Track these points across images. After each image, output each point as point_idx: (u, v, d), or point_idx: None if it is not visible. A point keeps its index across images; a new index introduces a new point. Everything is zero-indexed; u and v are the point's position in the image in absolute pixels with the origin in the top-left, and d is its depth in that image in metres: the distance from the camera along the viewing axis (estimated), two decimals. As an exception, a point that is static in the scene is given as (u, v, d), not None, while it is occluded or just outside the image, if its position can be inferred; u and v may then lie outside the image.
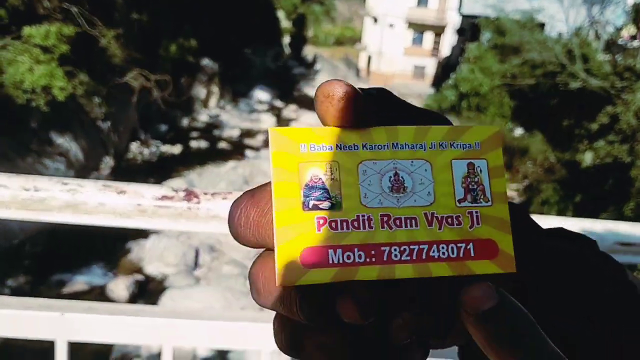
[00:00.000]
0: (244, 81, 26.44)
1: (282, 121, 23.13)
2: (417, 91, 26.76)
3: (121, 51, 14.70)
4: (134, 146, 17.19)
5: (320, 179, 0.26)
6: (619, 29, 17.06)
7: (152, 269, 10.63)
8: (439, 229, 0.27)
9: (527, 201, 13.52)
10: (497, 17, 18.42)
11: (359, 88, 0.27)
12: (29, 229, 10.71)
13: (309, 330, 0.28)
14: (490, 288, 0.26)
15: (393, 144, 0.27)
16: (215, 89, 23.27)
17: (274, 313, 0.30)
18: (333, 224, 0.26)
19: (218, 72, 23.31)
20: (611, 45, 16.08)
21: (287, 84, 30.46)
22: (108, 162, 15.29)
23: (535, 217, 1.04)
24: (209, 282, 10.25)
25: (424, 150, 0.28)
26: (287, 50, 41.92)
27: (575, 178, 12.60)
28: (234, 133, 20.83)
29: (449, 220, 0.27)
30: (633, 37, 16.17)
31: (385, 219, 0.27)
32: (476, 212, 0.28)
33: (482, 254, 0.27)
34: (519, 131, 16.36)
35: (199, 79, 22.09)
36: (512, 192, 14.42)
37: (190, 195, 0.89)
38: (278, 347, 0.29)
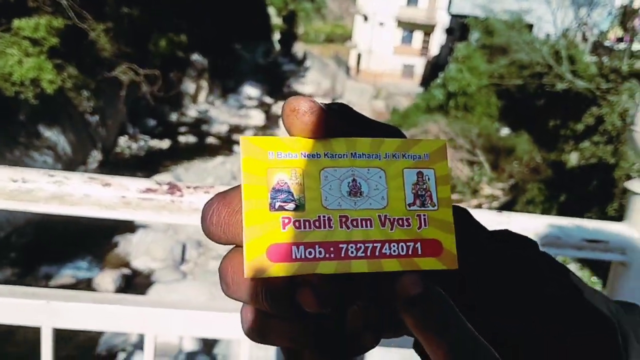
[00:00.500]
0: (234, 77, 26.38)
1: (271, 117, 23.11)
2: (406, 90, 26.80)
3: (110, 45, 14.62)
4: (122, 140, 17.12)
5: (286, 183, 0.29)
6: (605, 31, 17.18)
7: (139, 263, 10.62)
8: (391, 229, 0.30)
9: (513, 200, 13.59)
10: (486, 17, 18.48)
11: (322, 103, 0.31)
12: (16, 221, 10.67)
13: (274, 318, 0.31)
14: (417, 278, 0.29)
15: (352, 153, 0.31)
16: (204, 84, 23.21)
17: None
18: (297, 224, 0.29)
19: (207, 68, 23.25)
20: (598, 47, 16.20)
21: (277, 80, 30.42)
22: (96, 156, 15.23)
23: (508, 214, 1.08)
24: (195, 277, 10.25)
25: (379, 159, 0.31)
26: (277, 46, 41.83)
27: (561, 178, 12.68)
28: (223, 128, 20.79)
29: (400, 222, 0.31)
30: (619, 39, 16.29)
31: (344, 219, 0.29)
32: (424, 215, 0.31)
33: (429, 252, 0.31)
34: (505, 131, 16.42)
35: (189, 74, 22.02)
36: (498, 191, 14.50)
37: (173, 188, 0.93)
38: (245, 334, 0.32)
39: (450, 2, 28.51)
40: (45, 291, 0.99)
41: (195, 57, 22.42)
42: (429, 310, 0.28)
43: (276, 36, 42.13)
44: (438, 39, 30.69)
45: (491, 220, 1.07)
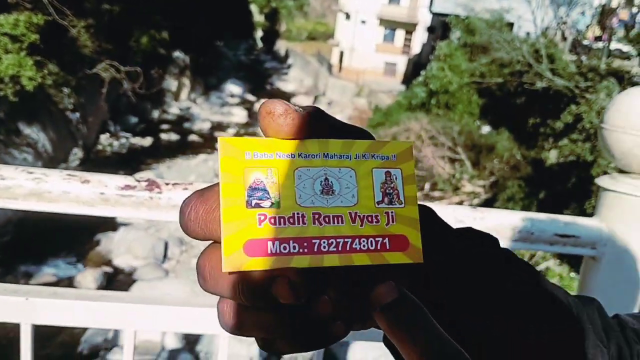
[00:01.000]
0: (216, 74, 26.27)
1: (253, 115, 23.04)
2: (387, 88, 26.85)
3: (91, 42, 14.50)
4: (104, 138, 16.98)
5: (262, 181, 0.30)
6: (584, 31, 17.36)
7: (121, 261, 10.56)
8: (361, 225, 0.32)
9: (493, 197, 13.69)
10: (467, 16, 18.59)
11: (296, 106, 0.32)
12: (-5, 220, 10.55)
13: (250, 310, 0.32)
14: (392, 286, 0.31)
15: (324, 154, 0.32)
16: (186, 81, 23.08)
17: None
18: (272, 220, 0.30)
19: (190, 65, 23.12)
20: (577, 46, 16.37)
21: (259, 78, 30.35)
22: (77, 153, 15.09)
23: (482, 210, 1.11)
24: (177, 275, 10.22)
25: (350, 160, 0.33)
26: (260, 44, 41.74)
27: (540, 175, 12.80)
28: (205, 126, 20.70)
29: (369, 218, 0.32)
30: (598, 38, 16.48)
31: (317, 216, 0.31)
32: (392, 212, 0.33)
33: (396, 246, 0.33)
34: (486, 129, 16.54)
35: (170, 72, 21.88)
36: (479, 188, 14.59)
37: (152, 185, 0.93)
38: (222, 327, 0.34)
39: (431, 1, 28.64)
40: (25, 288, 0.99)
41: (177, 54, 22.28)
42: (402, 315, 0.30)
43: (258, 33, 42.06)
44: (420, 37, 30.83)
45: (467, 216, 1.09)
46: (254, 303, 0.31)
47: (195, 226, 0.32)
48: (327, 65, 31.04)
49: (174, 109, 21.50)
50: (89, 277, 9.77)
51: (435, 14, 28.39)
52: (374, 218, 0.33)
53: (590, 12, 17.17)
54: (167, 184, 0.94)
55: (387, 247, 0.32)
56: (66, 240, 10.33)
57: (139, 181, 0.94)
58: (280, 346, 0.33)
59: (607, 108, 1.16)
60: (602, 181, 1.18)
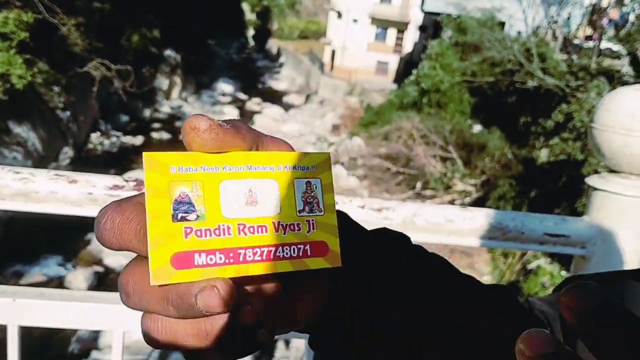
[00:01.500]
0: (208, 73, 26.22)
1: (245, 113, 23.01)
2: (379, 86, 26.88)
3: (82, 40, 14.44)
4: (94, 137, 16.91)
5: (187, 195, 0.31)
6: (574, 30, 17.44)
7: (112, 260, 10.52)
8: (284, 234, 0.33)
9: (485, 196, 13.74)
10: (459, 15, 18.64)
11: (219, 121, 0.33)
12: (-16, 220, 10.48)
13: (177, 323, 0.32)
14: (549, 337, 0.25)
15: (248, 166, 0.33)
16: (177, 80, 23.02)
17: None
18: (198, 232, 0.31)
19: (181, 64, 23.06)
20: (567, 45, 16.43)
21: (251, 76, 30.32)
22: (67, 152, 15.02)
23: (472, 210, 1.11)
24: (168, 275, 10.19)
25: (273, 171, 0.34)
26: (252, 42, 41.70)
27: (531, 174, 12.85)
28: (197, 125, 20.65)
29: (292, 226, 0.34)
30: (588, 38, 16.56)
31: (241, 227, 0.32)
32: (312, 220, 0.35)
33: (317, 252, 0.34)
34: (477, 128, 16.59)
35: (162, 70, 21.82)
36: (470, 187, 14.63)
37: (140, 185, 0.93)
38: (149, 343, 0.34)
39: (423, 0, 28.66)
40: (12, 289, 0.98)
41: (169, 52, 22.23)
42: None
43: (250, 32, 42.00)
44: (411, 36, 30.88)
45: (457, 216, 1.09)
46: (182, 315, 0.31)
47: (110, 236, 0.32)
48: (319, 64, 31.04)
49: (165, 108, 21.45)
50: (79, 276, 9.74)
51: (426, 13, 28.41)
52: (295, 226, 0.34)
53: (580, 11, 17.24)
54: (155, 183, 0.93)
55: (309, 253, 0.34)
56: (57, 240, 10.28)
57: (127, 181, 0.93)
58: (207, 356, 0.33)
59: (596, 107, 1.17)
60: (591, 180, 1.18)
